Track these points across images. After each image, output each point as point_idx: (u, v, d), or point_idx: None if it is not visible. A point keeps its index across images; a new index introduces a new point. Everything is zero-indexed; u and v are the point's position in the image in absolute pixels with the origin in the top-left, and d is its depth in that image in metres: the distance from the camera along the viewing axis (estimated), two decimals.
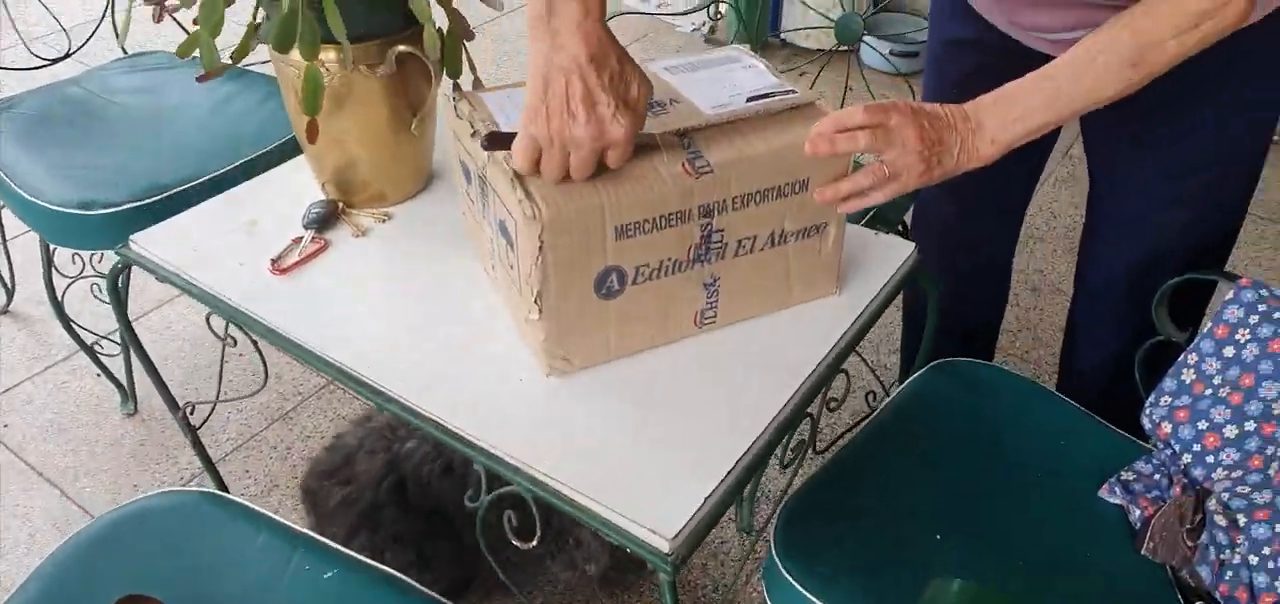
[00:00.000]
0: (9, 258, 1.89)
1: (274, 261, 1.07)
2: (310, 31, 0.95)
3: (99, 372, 1.70)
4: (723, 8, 2.94)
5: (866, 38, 2.84)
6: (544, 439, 0.86)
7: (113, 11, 1.81)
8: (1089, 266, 1.24)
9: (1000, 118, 0.89)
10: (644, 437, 0.87)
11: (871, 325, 1.03)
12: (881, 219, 1.36)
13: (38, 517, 1.55)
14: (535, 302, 0.87)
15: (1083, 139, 1.20)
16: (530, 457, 0.84)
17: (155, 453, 1.65)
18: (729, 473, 0.83)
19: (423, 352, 0.96)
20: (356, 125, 1.09)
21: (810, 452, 1.00)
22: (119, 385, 1.72)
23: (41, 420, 1.72)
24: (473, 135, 0.93)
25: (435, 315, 1.01)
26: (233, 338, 1.12)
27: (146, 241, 1.10)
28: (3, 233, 1.83)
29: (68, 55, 1.78)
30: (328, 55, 1.02)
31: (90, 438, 1.68)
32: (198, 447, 1.30)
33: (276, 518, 1.00)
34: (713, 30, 3.25)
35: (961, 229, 1.33)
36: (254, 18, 1.00)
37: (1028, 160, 1.24)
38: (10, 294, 1.93)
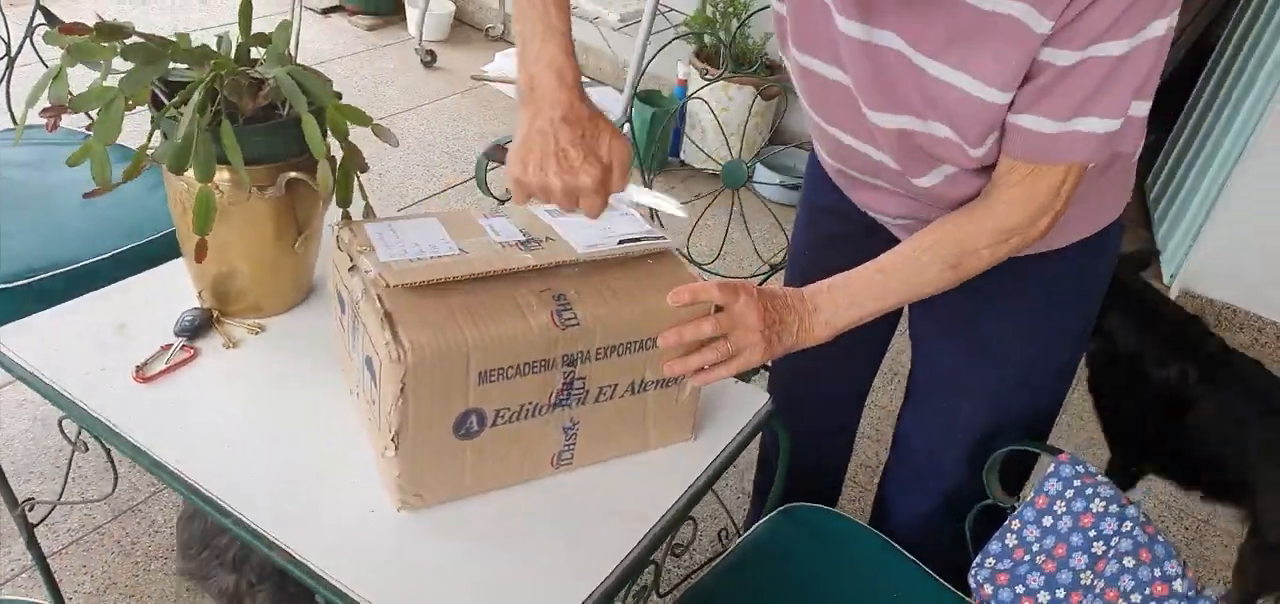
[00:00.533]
0: None
1: (139, 369, 1.06)
2: (206, 155, 0.98)
3: None
4: (624, 129, 3.08)
5: (760, 167, 3.02)
6: (387, 575, 0.88)
7: (9, 81, 1.79)
8: (904, 431, 1.34)
9: (834, 304, 1.00)
10: (488, 577, 0.90)
11: (723, 471, 1.09)
12: None
13: None
14: (392, 440, 0.90)
15: (908, 316, 1.30)
16: (370, 593, 0.86)
17: None
18: None
19: (278, 475, 0.97)
20: (240, 240, 1.11)
21: (654, 595, 1.04)
22: None
23: None
24: (350, 269, 0.97)
25: (295, 437, 1.03)
26: (85, 443, 1.10)
27: (7, 337, 1.08)
28: None
29: None
30: (221, 176, 1.04)
31: None
32: (33, 545, 1.25)
33: None
34: None
35: (812, 388, 1.42)
36: (149, 139, 1.02)
37: (871, 340, 1.35)
38: None
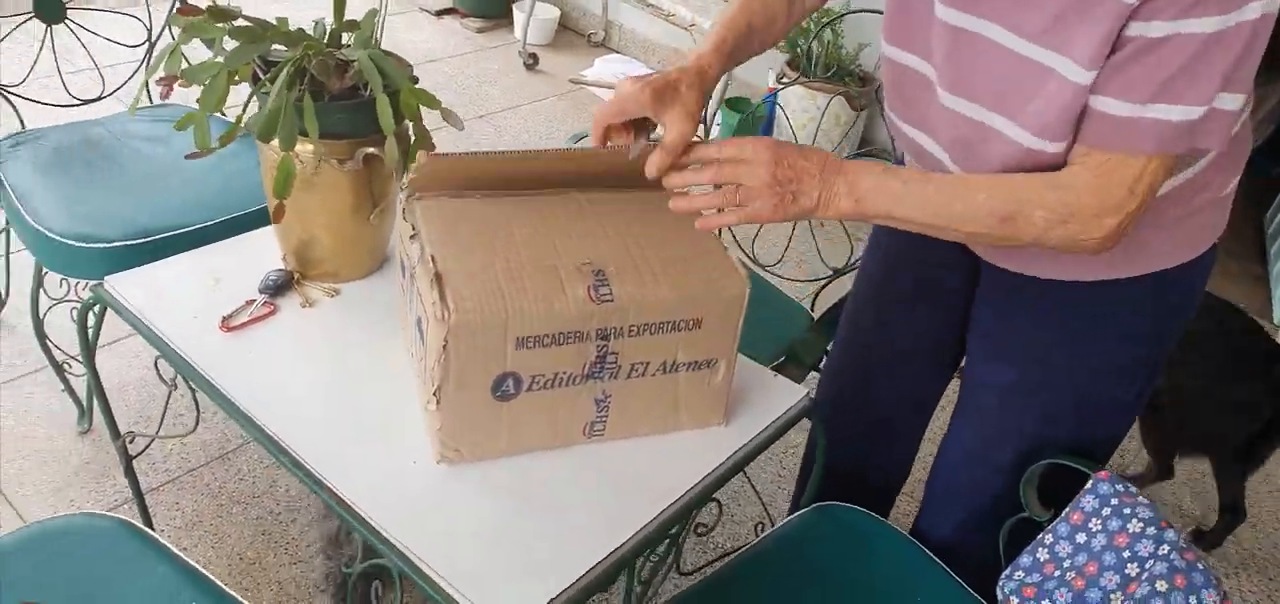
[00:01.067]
0: (8, 269, 2.01)
1: (224, 319, 1.18)
2: (289, 127, 1.08)
3: (63, 388, 1.80)
4: (713, 134, 3.13)
5: None
6: (421, 521, 0.96)
7: (148, 62, 1.97)
8: (946, 441, 1.32)
9: (867, 182, 0.96)
10: (511, 531, 0.96)
11: (750, 461, 1.12)
12: (795, 358, 1.47)
13: None
14: (434, 394, 0.97)
15: (968, 329, 1.29)
16: (404, 535, 0.93)
17: (96, 472, 1.74)
18: (578, 580, 0.91)
19: (334, 423, 1.06)
20: (321, 209, 1.22)
21: (674, 572, 1.08)
22: (78, 403, 1.82)
23: (2, 425, 1.81)
24: (412, 237, 1.05)
25: (354, 391, 1.12)
26: (175, 382, 1.22)
27: (118, 284, 1.22)
28: (7, 244, 1.96)
29: (101, 98, 1.93)
30: (304, 147, 1.15)
31: (41, 449, 1.77)
32: (130, 475, 1.39)
33: (178, 555, 1.08)
34: None
35: (862, 391, 1.42)
36: (245, 109, 1.13)
37: (928, 352, 1.35)
38: (2, 302, 2.04)
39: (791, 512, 1.40)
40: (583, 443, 1.07)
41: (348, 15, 1.21)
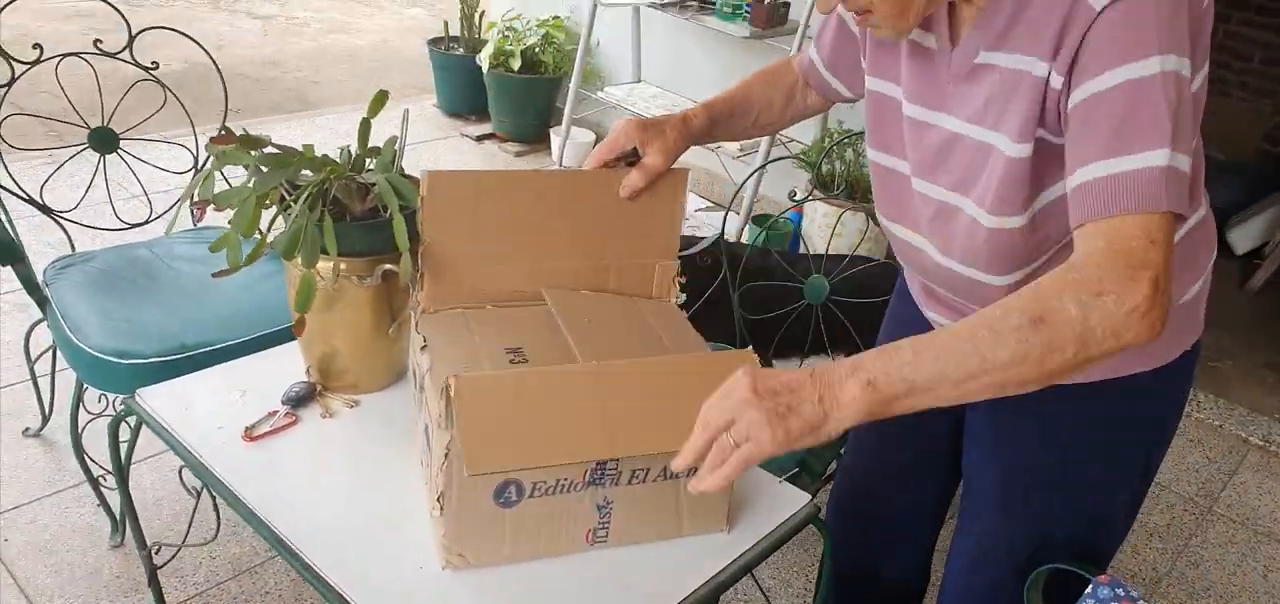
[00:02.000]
0: (53, 388, 2.11)
1: (247, 430, 1.23)
2: (310, 245, 1.15)
3: (98, 503, 1.86)
4: None
5: None
6: None
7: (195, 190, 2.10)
8: (950, 551, 1.32)
9: (882, 365, 0.84)
10: None
11: (753, 568, 1.13)
12: (807, 469, 1.47)
13: None
14: (438, 500, 1.00)
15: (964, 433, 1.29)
16: None
17: (125, 587, 1.78)
18: None
19: (347, 529, 1.09)
20: (342, 323, 1.28)
21: None
22: (112, 516, 1.87)
23: (39, 540, 1.87)
24: (422, 348, 1.10)
25: (368, 498, 1.15)
26: (200, 492, 1.27)
27: (149, 397, 1.28)
28: (53, 365, 2.05)
29: (148, 221, 2.05)
30: (326, 265, 1.22)
31: (74, 563, 1.82)
32: (154, 585, 1.43)
33: None
34: None
35: (871, 501, 1.42)
36: (268, 228, 1.21)
37: (937, 454, 1.35)
38: (46, 420, 2.13)
39: None
40: (587, 549, 1.09)
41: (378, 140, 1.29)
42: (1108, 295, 0.82)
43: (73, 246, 1.98)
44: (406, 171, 1.30)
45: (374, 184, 1.22)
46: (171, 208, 2.10)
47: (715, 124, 1.27)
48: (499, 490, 1.02)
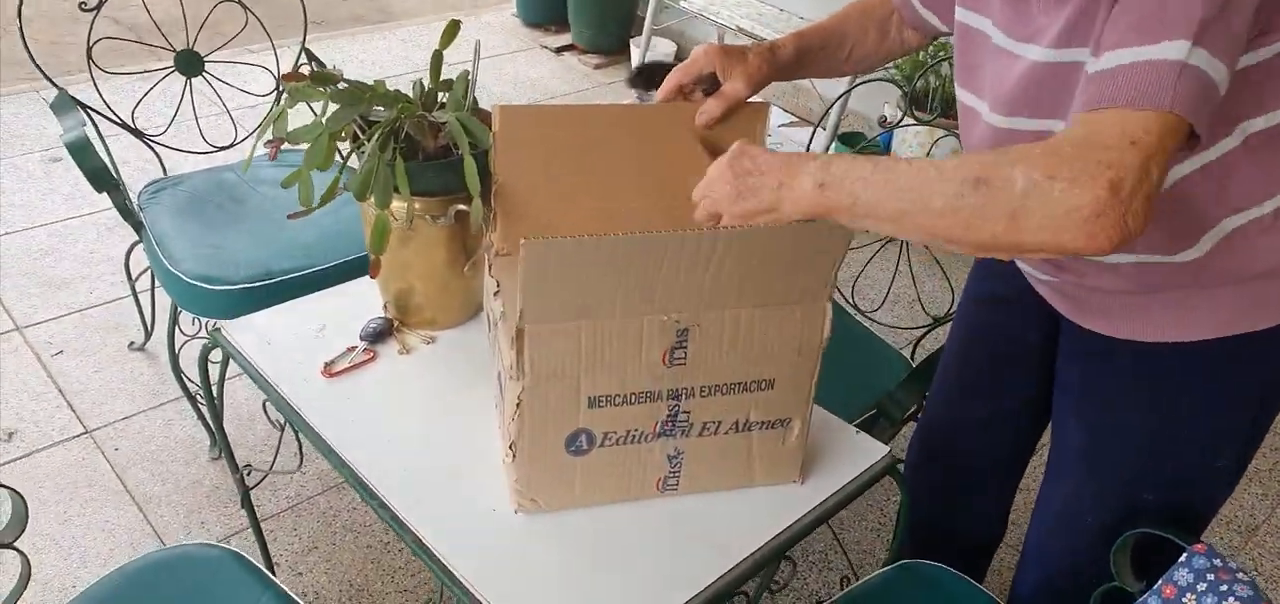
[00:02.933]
0: (154, 305, 2.20)
1: (326, 365, 1.25)
2: (383, 186, 1.15)
3: (197, 417, 1.96)
4: None
5: None
6: (495, 568, 0.99)
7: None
8: (1036, 506, 1.27)
9: (845, 168, 0.84)
10: (584, 584, 0.98)
11: (827, 519, 1.11)
12: (884, 415, 1.43)
13: (120, 534, 1.79)
14: (510, 448, 1.01)
15: (1054, 389, 1.24)
16: (477, 580, 0.97)
17: (224, 498, 1.87)
18: None
19: (422, 469, 1.11)
20: (417, 261, 1.28)
21: None
22: (210, 431, 1.96)
23: (145, 450, 1.98)
24: (495, 294, 1.10)
25: (444, 438, 1.16)
26: (281, 423, 1.31)
27: (233, 330, 1.31)
28: (153, 283, 2.14)
29: (233, 144, 2.09)
30: (398, 204, 1.21)
31: (177, 473, 1.93)
32: (248, 506, 1.49)
33: (282, 587, 1.16)
34: None
35: (948, 453, 1.38)
36: (342, 169, 1.20)
37: (1014, 414, 1.30)
38: (148, 335, 2.24)
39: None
40: (657, 497, 1.08)
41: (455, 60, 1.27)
42: (1057, 181, 0.74)
43: (164, 169, 2.04)
44: (479, 103, 1.28)
45: (445, 122, 1.20)
46: (252, 133, 2.14)
47: (805, 56, 1.19)
48: (570, 439, 1.01)
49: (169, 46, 2.02)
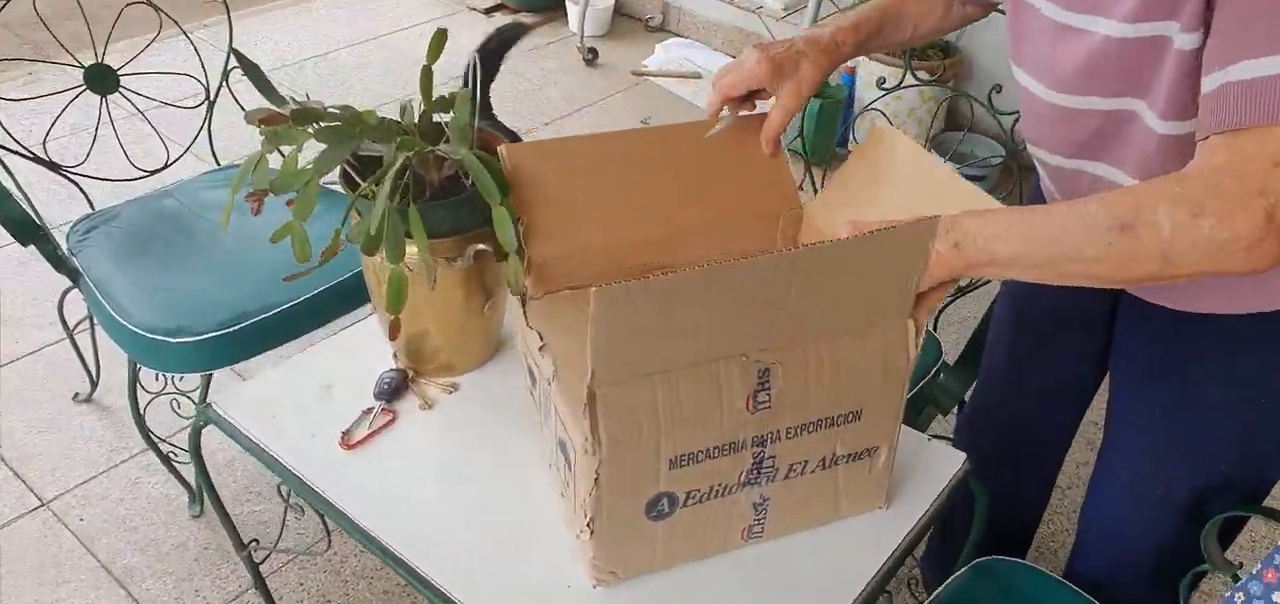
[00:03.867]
0: (96, 349, 2.00)
1: (344, 436, 1.12)
2: (395, 239, 1.01)
3: (171, 474, 1.79)
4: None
5: (933, 154, 2.86)
6: None
7: (209, 126, 1.91)
8: (1103, 480, 1.24)
9: (975, 225, 0.83)
10: None
11: (919, 541, 1.04)
12: (935, 401, 1.37)
13: None
14: (587, 525, 0.90)
15: (1110, 362, 1.20)
16: None
17: (216, 558, 1.72)
18: None
19: (475, 544, 1.00)
20: (430, 306, 1.14)
21: None
22: (189, 487, 1.80)
23: (115, 515, 1.81)
24: (541, 348, 0.98)
25: (491, 504, 1.05)
26: (300, 507, 1.17)
27: (228, 405, 1.16)
28: (93, 325, 1.93)
29: (166, 166, 1.88)
30: (411, 251, 1.07)
31: (158, 538, 1.76)
32: (259, 584, 1.36)
33: None
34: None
35: (1004, 431, 1.34)
36: (343, 222, 1.06)
37: (1071, 391, 1.26)
38: (94, 384, 2.03)
39: (930, 563, 1.33)
40: (741, 546, 1.00)
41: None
42: (1205, 219, 0.73)
43: (91, 204, 1.82)
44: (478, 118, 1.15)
45: (455, 157, 1.06)
46: (191, 145, 1.93)
47: (863, 44, 1.10)
48: (651, 505, 0.92)
49: (76, 62, 1.79)
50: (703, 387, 0.88)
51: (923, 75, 2.68)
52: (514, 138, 1.42)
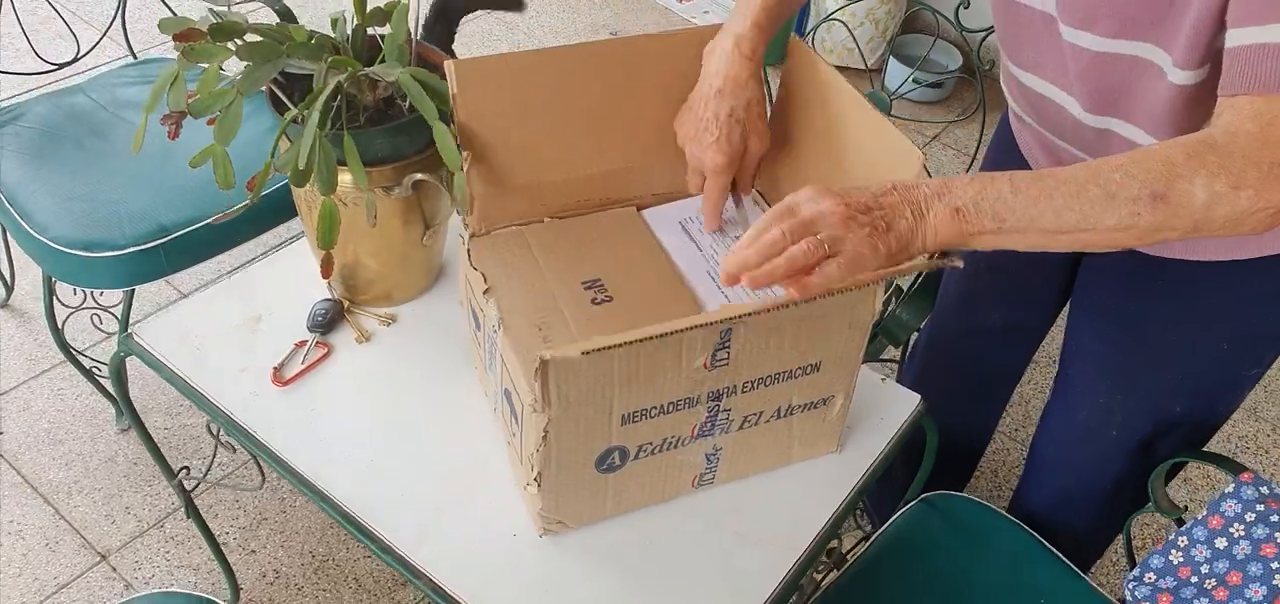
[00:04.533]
0: (9, 253, 1.87)
1: (276, 371, 1.06)
2: (328, 169, 0.93)
3: (95, 387, 1.70)
4: None
5: (893, 61, 2.79)
6: (522, 600, 0.87)
7: (123, 13, 1.76)
8: (1053, 417, 1.24)
9: (976, 193, 0.74)
10: (638, 600, 0.88)
11: (870, 485, 1.03)
12: (888, 334, 1.35)
13: (31, 535, 1.56)
14: (535, 479, 0.87)
15: (1071, 302, 1.19)
16: None
17: (148, 475, 1.65)
18: None
19: (418, 493, 0.96)
20: (367, 235, 1.07)
21: None
22: (114, 401, 1.72)
23: (38, 429, 1.72)
24: (485, 292, 0.92)
25: (434, 448, 1.01)
26: (232, 445, 1.11)
27: (149, 334, 1.09)
28: (3, 230, 1.80)
29: (77, 58, 1.72)
30: (345, 179, 0.99)
31: (85, 452, 1.69)
32: (193, 513, 1.31)
33: None
34: None
35: (955, 366, 1.33)
36: (274, 150, 0.97)
37: (1034, 329, 1.25)
38: (9, 289, 1.91)
39: (878, 497, 1.33)
40: (691, 493, 0.98)
41: None
42: (1245, 191, 0.70)
43: None
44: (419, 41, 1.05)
45: (390, 79, 0.97)
46: (100, 40, 1.77)
47: (774, 26, 1.01)
48: (601, 458, 0.88)
49: None
50: (662, 353, 0.83)
51: None
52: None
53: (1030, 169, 1.08)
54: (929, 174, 0.84)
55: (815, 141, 1.03)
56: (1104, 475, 1.16)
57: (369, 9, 1.03)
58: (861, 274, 0.76)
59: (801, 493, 0.99)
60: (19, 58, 1.65)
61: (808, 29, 2.90)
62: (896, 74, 2.76)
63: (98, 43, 1.75)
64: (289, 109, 0.98)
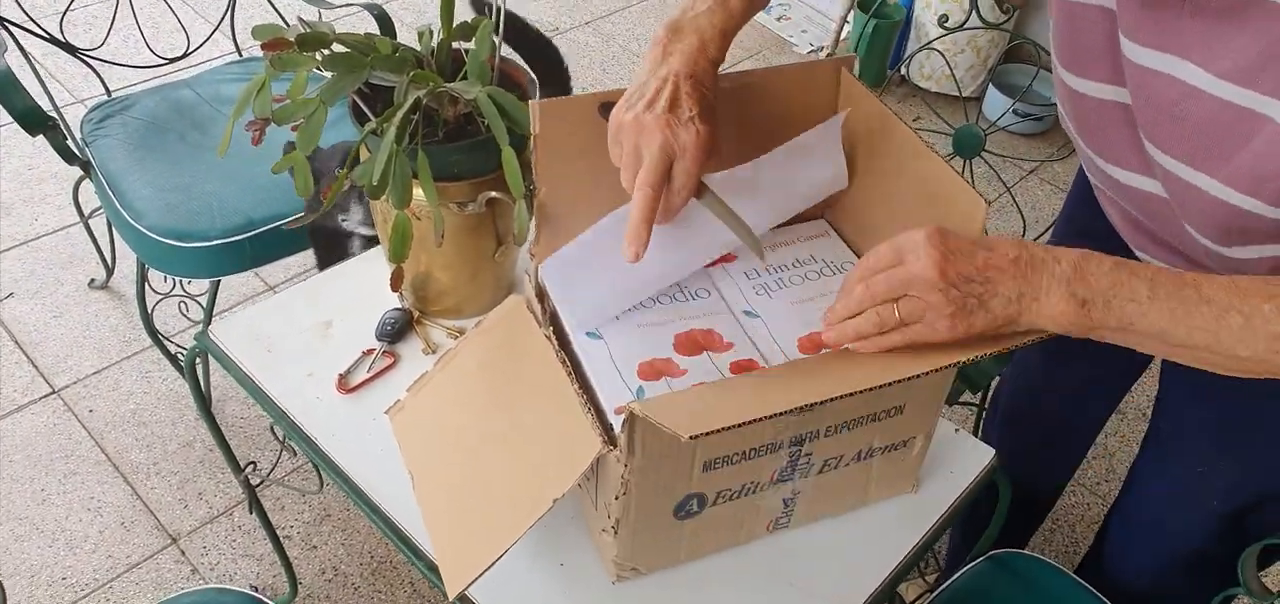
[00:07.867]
0: (111, 236, 1.89)
1: (341, 378, 1.02)
2: (402, 184, 0.88)
3: (179, 372, 1.70)
4: (844, 34, 2.80)
5: (992, 89, 2.66)
6: None
7: (233, 12, 1.76)
8: (1142, 478, 1.12)
9: (1111, 282, 0.66)
10: None
11: (943, 532, 0.94)
12: (968, 379, 1.25)
13: (108, 512, 1.56)
14: (612, 526, 0.80)
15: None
16: None
17: (222, 462, 1.63)
18: None
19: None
20: (439, 250, 1.02)
21: None
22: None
23: (124, 410, 1.72)
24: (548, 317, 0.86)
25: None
26: (292, 449, 1.08)
27: (224, 334, 1.05)
28: (109, 221, 1.82)
29: (186, 54, 1.73)
30: (418, 192, 0.95)
31: (165, 435, 1.68)
32: (255, 508, 1.28)
33: None
34: (831, 56, 3.09)
35: (1035, 418, 1.22)
36: (351, 164, 0.93)
37: (1117, 379, 1.14)
38: (109, 271, 1.93)
39: (952, 548, 1.24)
40: (764, 537, 0.90)
41: None
42: None
43: (107, 90, 1.68)
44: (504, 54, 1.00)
45: (469, 97, 0.92)
46: (212, 34, 1.78)
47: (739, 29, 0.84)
48: (680, 505, 0.81)
49: None
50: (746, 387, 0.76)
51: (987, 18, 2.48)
52: (548, 47, 1.27)
53: (1107, 226, 0.98)
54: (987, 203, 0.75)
55: (877, 181, 0.94)
56: (1193, 545, 1.04)
57: (455, 23, 0.99)
58: (931, 343, 0.70)
59: (876, 534, 0.90)
60: (136, 51, 1.67)
61: (907, 53, 2.79)
62: (995, 103, 2.64)
63: (208, 38, 1.76)
64: (370, 119, 0.94)
